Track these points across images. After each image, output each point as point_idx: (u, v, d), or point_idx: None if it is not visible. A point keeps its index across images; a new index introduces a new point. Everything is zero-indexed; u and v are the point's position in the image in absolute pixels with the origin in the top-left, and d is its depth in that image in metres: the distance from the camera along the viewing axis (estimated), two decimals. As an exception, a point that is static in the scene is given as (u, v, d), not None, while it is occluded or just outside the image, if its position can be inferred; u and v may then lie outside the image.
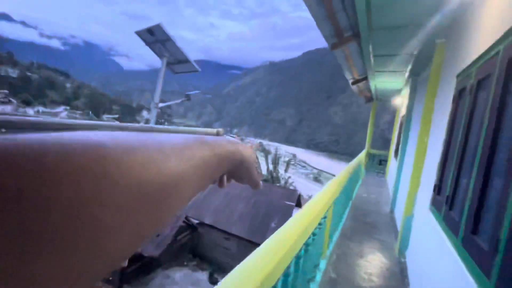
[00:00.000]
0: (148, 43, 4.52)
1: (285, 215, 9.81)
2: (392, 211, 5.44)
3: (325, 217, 2.62)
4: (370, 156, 9.46)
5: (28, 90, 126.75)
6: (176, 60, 4.72)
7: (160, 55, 4.58)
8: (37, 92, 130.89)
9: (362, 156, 7.48)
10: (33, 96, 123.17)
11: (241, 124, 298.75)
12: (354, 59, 4.41)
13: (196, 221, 9.54)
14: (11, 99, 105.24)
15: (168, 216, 0.19)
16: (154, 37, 4.28)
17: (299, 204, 12.32)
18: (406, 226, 3.54)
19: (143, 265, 6.83)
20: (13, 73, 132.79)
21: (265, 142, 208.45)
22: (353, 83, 5.75)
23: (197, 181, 0.23)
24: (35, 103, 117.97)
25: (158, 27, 4.09)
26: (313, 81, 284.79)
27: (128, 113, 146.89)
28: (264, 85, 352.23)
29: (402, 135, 5.56)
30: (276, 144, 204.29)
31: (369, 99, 8.29)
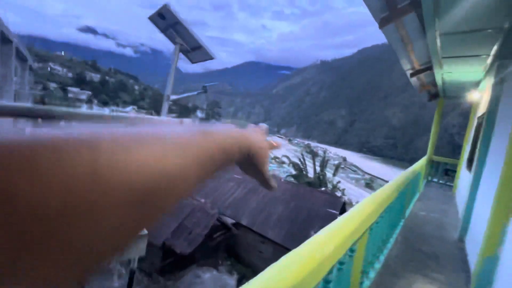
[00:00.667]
0: (161, 29, 4.33)
1: (327, 224, 8.96)
2: (461, 240, 4.10)
3: (353, 249, 1.90)
4: (433, 165, 7.76)
5: (106, 92, 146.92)
6: (190, 46, 4.46)
7: (173, 41, 4.38)
8: (113, 94, 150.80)
9: (421, 163, 5.99)
10: (109, 97, 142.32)
11: (289, 125, 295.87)
12: (413, 41, 3.47)
13: (232, 221, 9.39)
14: (93, 99, 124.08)
15: (161, 214, 0.19)
16: (166, 22, 4.07)
17: (344, 212, 11.28)
18: (486, 269, 2.50)
19: (177, 261, 6.93)
20: (95, 77, 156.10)
21: (313, 144, 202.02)
22: (412, 75, 4.62)
23: (198, 176, 0.22)
24: (110, 103, 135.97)
25: (166, 8, 3.81)
26: (368, 80, 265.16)
27: (184, 112, 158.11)
28: (314, 85, 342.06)
29: (480, 141, 4.24)
30: (325, 146, 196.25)
31: (434, 95, 6.80)
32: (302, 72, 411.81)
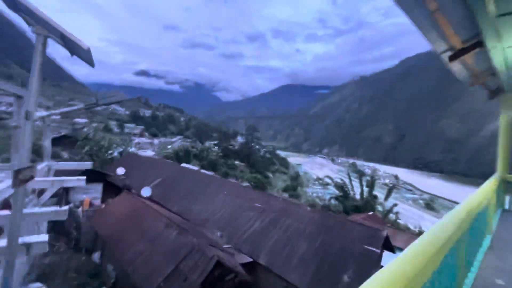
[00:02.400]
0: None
1: (364, 266, 7.01)
2: None
3: None
4: (507, 188, 5.73)
5: (156, 125, 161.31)
6: (53, 34, 3.65)
7: (27, 22, 3.64)
8: (162, 126, 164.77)
9: (489, 188, 3.85)
10: (159, 129, 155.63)
11: (331, 144, 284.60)
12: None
13: (249, 259, 8.06)
14: (145, 133, 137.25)
15: None
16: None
17: (389, 248, 8.98)
18: None
19: None
20: (148, 113, 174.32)
21: (359, 163, 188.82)
22: (452, 58, 3.05)
23: None
24: (159, 135, 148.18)
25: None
26: (415, 91, 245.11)
27: (225, 139, 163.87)
28: (355, 101, 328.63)
29: None
30: (373, 164, 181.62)
31: (495, 91, 4.88)
32: (340, 90, 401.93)
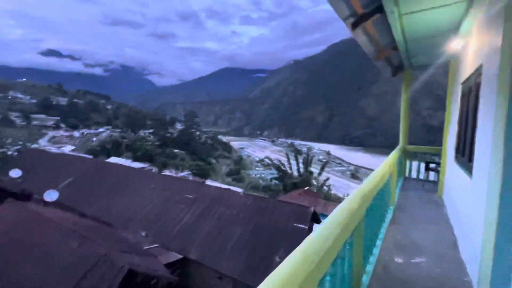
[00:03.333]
0: None
1: (294, 243, 7.14)
2: None
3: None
4: (407, 157, 6.11)
5: (75, 115, 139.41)
6: None
7: None
8: (83, 116, 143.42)
9: (392, 158, 4.06)
10: (79, 120, 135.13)
11: (271, 126, 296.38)
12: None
13: (178, 256, 7.41)
14: (60, 124, 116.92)
15: None
16: None
17: (318, 221, 9.51)
18: None
19: None
20: (63, 101, 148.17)
21: (297, 142, 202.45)
22: (354, 26, 2.91)
23: None
24: (81, 126, 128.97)
25: None
26: (341, 75, 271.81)
27: (162, 127, 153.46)
28: (290, 85, 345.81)
29: (483, 115, 2.50)
30: (309, 143, 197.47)
31: (398, 67, 5.22)
32: (277, 74, 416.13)
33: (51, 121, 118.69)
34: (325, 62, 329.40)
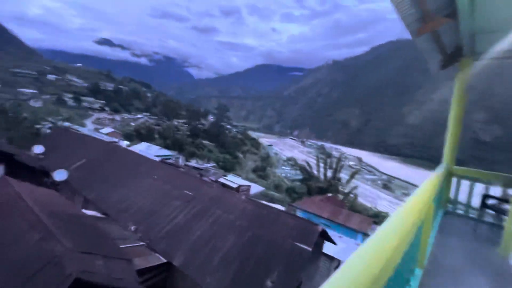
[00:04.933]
0: None
1: (292, 268, 5.93)
2: None
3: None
4: (454, 180, 4.26)
5: (119, 100, 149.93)
6: None
7: None
8: (126, 101, 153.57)
9: (430, 185, 2.33)
10: (122, 105, 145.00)
11: (302, 126, 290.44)
12: None
13: (162, 260, 6.65)
14: (105, 108, 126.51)
15: None
16: None
17: (327, 239, 8.08)
18: None
19: None
20: (110, 86, 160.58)
21: (327, 145, 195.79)
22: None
23: None
24: (122, 110, 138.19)
25: None
26: (382, 78, 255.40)
27: (195, 118, 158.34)
28: (326, 85, 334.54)
29: None
30: (340, 147, 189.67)
31: (450, 52, 3.56)
32: (313, 73, 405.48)
33: (98, 104, 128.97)
34: (366, 64, 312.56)
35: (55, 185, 11.93)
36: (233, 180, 34.20)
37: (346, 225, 23.07)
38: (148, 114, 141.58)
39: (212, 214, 7.69)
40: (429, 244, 2.64)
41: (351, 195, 44.29)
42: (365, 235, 22.20)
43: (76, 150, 14.07)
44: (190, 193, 8.74)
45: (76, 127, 41.93)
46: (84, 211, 8.73)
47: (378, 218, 33.61)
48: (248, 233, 6.86)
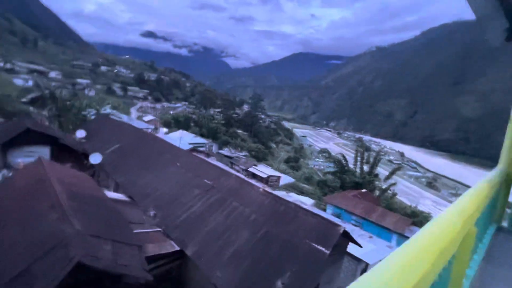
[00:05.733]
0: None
1: (306, 270, 5.43)
2: None
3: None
4: (509, 189, 3.08)
5: (160, 90, 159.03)
6: None
7: None
8: (166, 91, 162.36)
9: (481, 191, 1.78)
10: (163, 95, 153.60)
11: (340, 117, 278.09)
12: None
13: (176, 248, 6.64)
14: (148, 97, 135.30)
15: None
16: None
17: (351, 240, 7.32)
18: None
19: None
20: (153, 77, 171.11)
21: (366, 138, 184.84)
22: None
23: None
24: (163, 99, 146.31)
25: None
26: (434, 65, 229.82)
27: (230, 107, 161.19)
28: (369, 74, 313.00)
29: None
30: (380, 140, 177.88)
31: None
32: (354, 61, 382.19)
33: (141, 93, 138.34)
34: (415, 49, 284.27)
35: (93, 168, 12.79)
36: (263, 170, 34.07)
37: (380, 223, 21.50)
38: (186, 103, 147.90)
39: (228, 205, 7.48)
40: (468, 275, 1.86)
41: (389, 192, 41.22)
42: (402, 236, 20.51)
43: (112, 136, 15.00)
44: (210, 183, 8.63)
45: (121, 115, 45.34)
46: (112, 193, 9.13)
47: (418, 218, 30.82)
48: (263, 229, 6.49)
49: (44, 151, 11.99)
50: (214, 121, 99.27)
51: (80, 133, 15.07)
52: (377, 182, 40.43)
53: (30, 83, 46.73)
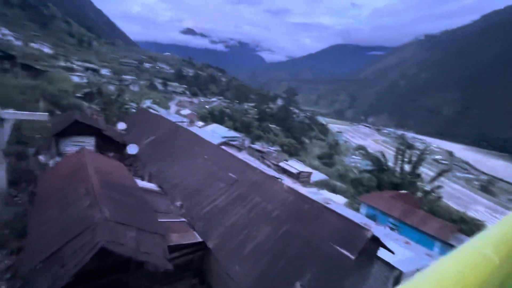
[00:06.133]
0: None
1: (327, 274, 5.11)
2: None
3: None
4: None
5: (197, 85, 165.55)
6: None
7: None
8: (203, 86, 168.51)
9: None
10: (200, 89, 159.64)
11: (379, 112, 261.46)
12: None
13: (199, 239, 6.75)
14: (186, 92, 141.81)
15: None
16: None
17: (381, 245, 6.72)
18: None
19: None
20: (191, 72, 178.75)
21: (410, 135, 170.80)
22: None
23: None
24: (200, 94, 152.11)
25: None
26: (494, 55, 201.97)
27: (263, 102, 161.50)
28: (414, 65, 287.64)
29: None
30: (426, 137, 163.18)
31: None
32: (398, 52, 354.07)
33: (180, 88, 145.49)
34: (472, 36, 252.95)
35: (131, 157, 13.67)
36: (294, 165, 33.46)
37: (421, 228, 19.77)
38: (221, 97, 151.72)
39: (251, 200, 7.40)
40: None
41: (433, 195, 37.67)
42: (445, 244, 18.66)
43: (149, 128, 15.91)
44: (234, 176, 8.64)
45: (159, 108, 48.09)
46: (144, 183, 9.62)
47: (468, 225, 27.69)
48: (284, 226, 6.28)
49: (89, 141, 13.16)
50: (247, 116, 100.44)
51: (121, 125, 16.28)
52: (419, 183, 37.19)
53: (85, 79, 51.87)
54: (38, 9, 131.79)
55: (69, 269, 4.09)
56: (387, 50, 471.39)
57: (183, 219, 7.45)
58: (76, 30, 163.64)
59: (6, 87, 18.86)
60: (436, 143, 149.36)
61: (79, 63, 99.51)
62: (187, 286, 6.85)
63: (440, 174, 38.26)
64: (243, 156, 32.16)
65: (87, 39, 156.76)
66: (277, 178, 8.91)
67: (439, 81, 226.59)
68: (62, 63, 79.14)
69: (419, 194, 35.84)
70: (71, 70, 74.58)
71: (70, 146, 12.38)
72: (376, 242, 6.18)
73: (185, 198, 8.40)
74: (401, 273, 9.06)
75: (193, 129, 33.17)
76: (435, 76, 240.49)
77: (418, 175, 37.32)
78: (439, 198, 38.95)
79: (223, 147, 23.83)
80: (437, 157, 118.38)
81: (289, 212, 6.61)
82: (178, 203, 8.15)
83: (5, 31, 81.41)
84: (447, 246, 18.12)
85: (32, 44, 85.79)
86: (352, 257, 5.08)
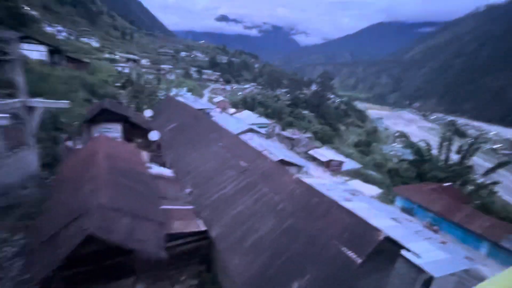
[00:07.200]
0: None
1: (330, 277, 4.56)
2: None
3: None
4: None
5: (230, 72, 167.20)
6: None
7: None
8: (236, 73, 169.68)
9: None
10: (233, 76, 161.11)
11: (427, 97, 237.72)
12: None
13: (203, 228, 6.62)
14: (220, 79, 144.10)
15: None
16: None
17: (401, 247, 5.85)
18: None
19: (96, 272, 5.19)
20: (224, 59, 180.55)
21: (461, 121, 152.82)
22: None
23: None
24: (233, 81, 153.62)
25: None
26: None
27: (297, 87, 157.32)
28: (473, 41, 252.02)
29: None
30: (482, 124, 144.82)
31: None
32: (452, 27, 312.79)
33: (214, 76, 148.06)
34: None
35: (155, 144, 14.11)
36: (324, 153, 32.12)
37: (465, 226, 17.63)
38: (254, 84, 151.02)
39: (258, 190, 7.01)
40: None
41: (487, 189, 33.24)
42: (496, 245, 16.44)
43: (173, 115, 16.25)
44: (245, 165, 8.30)
45: (187, 94, 49.55)
46: (159, 169, 9.78)
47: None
48: (289, 220, 5.80)
49: (117, 128, 13.87)
50: (279, 101, 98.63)
51: (147, 113, 16.94)
52: (470, 176, 32.96)
53: (127, 70, 55.32)
54: (87, 5, 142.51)
55: (60, 253, 4.19)
56: (439, 25, 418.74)
57: (190, 207, 7.39)
58: (119, 23, 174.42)
59: (53, 78, 20.90)
60: (496, 130, 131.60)
61: (122, 54, 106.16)
62: (194, 273, 6.84)
63: (498, 166, 33.27)
64: (272, 143, 31.73)
65: (129, 31, 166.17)
66: (289, 167, 8.34)
67: (504, 59, 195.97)
68: (107, 55, 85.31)
69: (469, 188, 31.85)
70: (114, 61, 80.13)
71: (99, 133, 13.17)
72: (396, 245, 5.39)
73: (195, 185, 8.35)
74: (431, 278, 8.03)
75: (220, 116, 33.55)
76: (498, 52, 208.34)
77: (469, 167, 33.06)
78: (494, 193, 34.25)
79: (248, 134, 23.72)
80: (496, 146, 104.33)
81: (295, 205, 6.09)
82: (188, 190, 8.12)
83: (60, 27, 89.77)
84: (497, 247, 15.94)
85: (82, 39, 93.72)
86: (359, 260, 4.45)
